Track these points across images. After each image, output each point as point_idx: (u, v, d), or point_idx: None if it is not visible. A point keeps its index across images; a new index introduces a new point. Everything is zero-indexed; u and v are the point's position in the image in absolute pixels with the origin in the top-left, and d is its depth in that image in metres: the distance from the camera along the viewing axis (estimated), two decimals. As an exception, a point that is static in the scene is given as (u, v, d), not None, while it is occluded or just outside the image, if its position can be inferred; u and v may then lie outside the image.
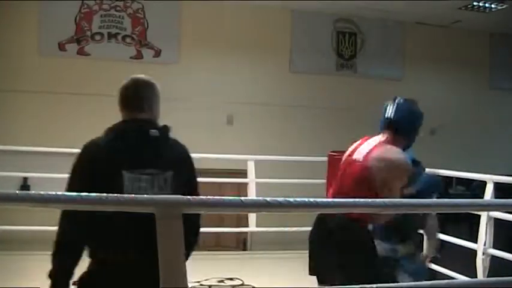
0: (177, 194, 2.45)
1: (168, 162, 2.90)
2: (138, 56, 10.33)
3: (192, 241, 2.94)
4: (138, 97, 3.20)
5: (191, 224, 2.57)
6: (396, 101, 4.13)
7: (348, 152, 4.07)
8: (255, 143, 10.07)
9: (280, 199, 1.81)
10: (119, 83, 11.05)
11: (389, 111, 4.08)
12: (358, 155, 3.89)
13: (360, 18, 11.45)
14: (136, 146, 2.90)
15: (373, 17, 11.31)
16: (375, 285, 2.28)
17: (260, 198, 1.84)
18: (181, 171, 2.93)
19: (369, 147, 3.93)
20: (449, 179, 11.69)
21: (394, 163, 3.73)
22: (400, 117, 4.03)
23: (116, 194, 1.83)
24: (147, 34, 10.34)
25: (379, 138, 4.02)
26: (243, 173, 8.49)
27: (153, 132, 2.97)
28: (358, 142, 4.13)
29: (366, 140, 4.09)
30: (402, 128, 4.04)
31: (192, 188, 2.94)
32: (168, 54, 10.43)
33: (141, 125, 3.02)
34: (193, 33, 10.51)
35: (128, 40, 10.26)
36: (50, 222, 6.85)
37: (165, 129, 3.15)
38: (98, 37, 10.13)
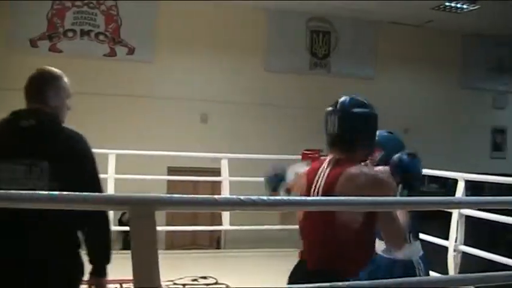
0: (60, 185, 2.62)
1: (44, 153, 2.76)
2: (112, 54, 10.26)
3: (102, 241, 3.03)
4: (31, 88, 3.12)
5: (96, 224, 2.84)
6: (338, 108, 2.97)
7: (300, 187, 2.93)
8: (229, 142, 10.06)
9: (254, 197, 1.81)
10: (92, 80, 10.99)
11: (332, 124, 2.94)
12: (314, 192, 2.77)
13: (333, 17, 11.51)
14: (8, 136, 2.82)
15: (347, 16, 11.38)
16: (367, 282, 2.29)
17: (234, 196, 1.84)
18: (62, 162, 2.79)
19: (327, 181, 2.75)
20: (422, 177, 11.80)
21: (373, 189, 2.62)
22: (349, 131, 2.89)
23: (90, 193, 1.82)
24: (121, 31, 10.28)
25: (331, 162, 2.84)
26: (217, 172, 8.48)
27: (25, 122, 2.83)
28: (305, 172, 2.98)
29: (316, 168, 2.88)
30: (354, 142, 2.88)
31: (83, 179, 2.83)
32: (142, 52, 10.37)
33: (18, 115, 2.92)
34: (168, 31, 10.48)
35: (101, 37, 10.19)
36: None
37: (51, 120, 2.97)
38: (70, 34, 10.04)
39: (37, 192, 1.89)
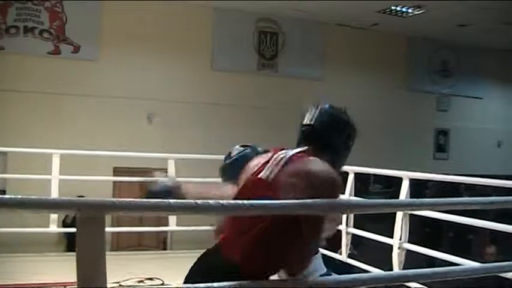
0: None
1: None
2: (56, 52, 10.04)
3: None
4: None
5: None
6: (319, 106, 3.04)
7: (252, 169, 2.87)
8: (176, 141, 10.00)
9: (211, 202, 1.80)
10: (35, 78, 10.78)
11: (310, 116, 3.00)
12: (267, 173, 2.74)
13: (281, 18, 11.56)
14: None
15: (295, 17, 11.45)
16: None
17: (190, 200, 1.82)
18: None
19: (281, 162, 2.76)
20: (367, 177, 12.00)
21: (322, 179, 2.59)
22: (325, 126, 2.96)
23: (37, 197, 1.77)
24: (66, 29, 10.07)
25: (295, 151, 2.86)
26: (165, 172, 8.41)
27: None
28: (264, 156, 2.93)
29: (276, 153, 2.88)
30: (326, 139, 2.92)
31: None
32: (87, 51, 10.20)
33: None
34: (114, 29, 10.34)
35: (46, 35, 9.96)
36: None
37: None
38: (13, 30, 9.78)
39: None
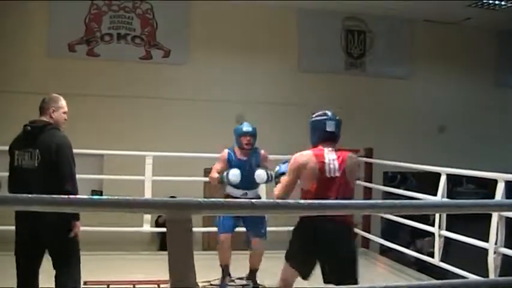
0: (45, 163, 4.39)
1: (37, 144, 4.47)
2: (147, 57, 10.35)
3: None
4: (39, 106, 4.81)
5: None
6: (330, 115, 4.71)
7: (312, 171, 4.21)
8: (265, 142, 10.02)
9: (291, 201, 1.82)
10: (129, 83, 11.11)
11: (331, 126, 4.56)
12: (333, 172, 4.20)
13: (368, 17, 11.41)
14: (23, 135, 4.60)
15: (382, 15, 11.27)
16: (383, 284, 2.28)
17: (270, 200, 1.85)
18: (46, 151, 4.43)
19: (336, 161, 4.26)
20: (459, 177, 11.66)
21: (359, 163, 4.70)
22: (339, 131, 4.57)
23: (129, 197, 1.84)
24: (156, 35, 10.36)
25: (330, 149, 4.35)
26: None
27: (28, 128, 4.59)
28: (313, 159, 4.26)
29: (318, 155, 4.30)
30: (338, 139, 4.54)
31: (56, 160, 4.43)
32: (177, 55, 10.45)
33: (27, 124, 4.65)
34: (202, 33, 10.53)
35: (137, 41, 10.29)
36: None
37: (42, 126, 4.60)
38: (107, 38, 10.16)
39: (76, 197, 1.92)
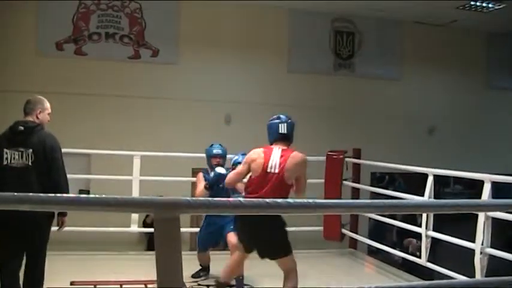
0: (39, 163, 4.61)
1: (29, 144, 4.65)
2: (136, 56, 10.32)
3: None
4: (25, 107, 4.96)
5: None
6: (283, 118, 5.32)
7: (258, 165, 4.96)
8: (253, 143, 10.04)
9: (279, 200, 1.81)
10: (117, 82, 11.06)
11: (283, 128, 5.20)
12: (273, 168, 4.89)
13: (357, 18, 11.44)
14: (12, 135, 4.70)
15: (371, 16, 11.30)
16: (373, 285, 2.28)
17: (260, 200, 1.84)
18: (39, 150, 4.64)
19: (279, 159, 4.91)
20: (447, 178, 11.73)
21: (305, 160, 5.01)
22: (291, 132, 5.21)
23: (116, 196, 1.83)
24: (145, 34, 10.33)
25: (279, 148, 5.02)
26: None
27: (20, 128, 4.71)
28: (261, 156, 5.00)
29: (266, 152, 5.01)
30: (290, 139, 5.19)
31: (51, 160, 4.69)
32: (166, 54, 10.42)
33: (17, 124, 4.77)
34: (191, 33, 10.51)
35: (126, 40, 10.25)
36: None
37: (33, 126, 4.77)
38: (95, 37, 10.12)
39: (64, 195, 1.91)
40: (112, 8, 10.18)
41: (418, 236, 6.70)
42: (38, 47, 9.87)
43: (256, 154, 5.02)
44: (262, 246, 4.93)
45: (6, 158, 4.61)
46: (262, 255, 4.98)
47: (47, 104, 4.99)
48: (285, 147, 5.02)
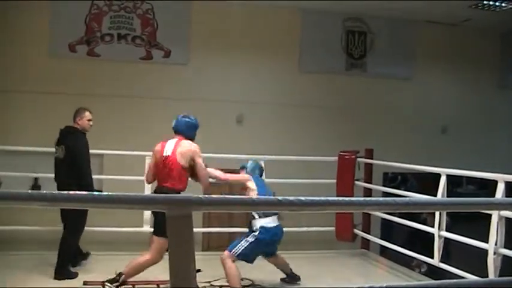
0: (67, 157, 6.40)
1: (63, 143, 6.48)
2: (148, 57, 10.34)
3: None
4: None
5: None
6: (178, 117, 6.43)
7: (157, 152, 6.12)
8: (265, 143, 10.06)
9: (291, 198, 1.81)
10: (129, 83, 11.12)
11: (176, 124, 6.33)
12: (167, 152, 6.03)
13: (369, 17, 11.41)
14: (59, 135, 6.60)
15: (383, 16, 11.26)
16: (384, 285, 2.28)
17: (271, 197, 1.84)
18: (69, 147, 6.42)
19: (173, 145, 6.07)
20: (459, 178, 11.67)
21: (195, 147, 6.12)
22: (182, 127, 6.29)
23: (129, 194, 1.84)
24: (157, 35, 10.35)
25: (174, 138, 6.18)
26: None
27: (62, 129, 6.57)
28: (159, 145, 6.17)
29: (165, 141, 6.18)
30: (183, 132, 6.24)
31: (72, 153, 6.43)
32: (178, 55, 10.44)
33: (63, 127, 6.63)
34: (202, 33, 10.52)
35: (138, 41, 10.28)
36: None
37: (68, 129, 6.61)
38: (107, 38, 10.16)
39: (76, 193, 1.92)
40: (124, 9, 10.22)
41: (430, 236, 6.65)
42: (51, 48, 9.91)
43: (158, 145, 6.17)
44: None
45: (55, 152, 6.59)
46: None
47: (86, 113, 6.69)
48: (180, 138, 6.16)
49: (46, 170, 7.69)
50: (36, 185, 9.39)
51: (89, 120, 6.71)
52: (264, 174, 7.22)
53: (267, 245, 6.22)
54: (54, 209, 6.04)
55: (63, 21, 9.93)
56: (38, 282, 6.12)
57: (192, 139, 6.23)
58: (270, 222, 6.18)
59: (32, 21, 9.81)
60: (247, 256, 6.13)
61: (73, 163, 6.35)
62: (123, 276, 5.90)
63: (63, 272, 6.37)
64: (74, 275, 6.44)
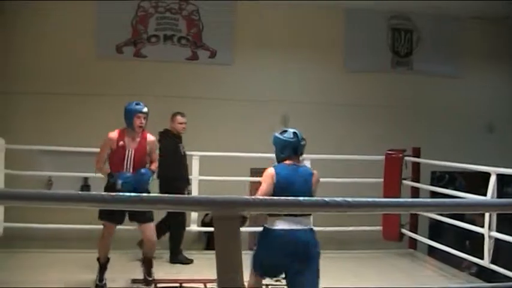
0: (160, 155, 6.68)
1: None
2: (194, 58, 10.42)
3: None
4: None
5: None
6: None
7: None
8: (310, 143, 9.99)
9: (338, 199, 1.80)
10: (175, 84, 11.29)
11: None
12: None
13: (415, 15, 11.25)
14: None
15: (429, 12, 11.10)
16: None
17: (318, 198, 1.84)
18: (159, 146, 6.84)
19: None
20: (509, 177, 11.41)
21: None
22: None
23: (175, 195, 1.86)
24: (202, 35, 10.42)
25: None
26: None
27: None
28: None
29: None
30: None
31: (161, 153, 6.85)
32: (223, 55, 10.49)
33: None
34: (247, 33, 10.54)
35: (183, 42, 10.37)
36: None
37: (161, 131, 7.42)
38: (153, 39, 10.28)
39: (125, 194, 1.95)
40: (170, 10, 10.32)
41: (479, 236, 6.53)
42: (98, 50, 10.08)
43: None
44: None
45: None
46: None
47: (177, 117, 7.53)
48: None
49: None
50: (85, 185, 9.57)
51: (180, 123, 7.45)
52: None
53: (275, 253, 4.63)
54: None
55: (110, 23, 10.07)
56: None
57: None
58: (280, 224, 4.63)
59: (79, 23, 9.98)
60: (258, 268, 4.76)
61: (161, 162, 6.66)
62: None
63: (175, 258, 7.33)
64: (186, 261, 7.32)
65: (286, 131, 5.24)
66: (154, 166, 6.26)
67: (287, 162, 4.99)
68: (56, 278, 6.16)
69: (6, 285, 5.70)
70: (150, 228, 6.07)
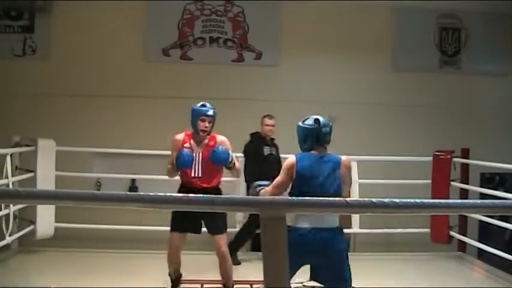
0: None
1: None
2: (239, 59, 10.46)
3: None
4: None
5: None
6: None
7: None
8: (358, 143, 9.93)
9: (386, 200, 1.78)
10: (222, 86, 11.40)
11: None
12: None
13: (463, 13, 11.05)
14: None
15: (477, 11, 10.90)
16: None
17: (365, 199, 1.82)
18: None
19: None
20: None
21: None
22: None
23: (223, 196, 1.87)
24: (248, 37, 10.46)
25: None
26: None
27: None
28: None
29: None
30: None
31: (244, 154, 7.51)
32: (268, 57, 10.50)
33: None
34: (292, 34, 10.52)
35: (229, 44, 10.43)
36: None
37: (251, 133, 7.80)
38: (200, 42, 10.36)
39: (172, 195, 1.97)
40: (215, 13, 10.39)
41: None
42: (145, 53, 10.22)
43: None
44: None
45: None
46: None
47: (264, 119, 7.87)
48: None
49: (142, 171, 7.94)
50: (133, 186, 9.70)
51: (267, 125, 7.79)
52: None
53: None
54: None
55: (157, 26, 10.21)
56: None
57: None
58: (303, 222, 4.30)
59: (126, 26, 10.14)
60: None
61: (245, 164, 7.45)
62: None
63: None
64: (236, 262, 7.12)
65: (308, 118, 4.90)
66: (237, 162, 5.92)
67: (312, 152, 4.68)
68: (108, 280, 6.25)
69: (58, 285, 5.82)
70: (223, 240, 5.68)
